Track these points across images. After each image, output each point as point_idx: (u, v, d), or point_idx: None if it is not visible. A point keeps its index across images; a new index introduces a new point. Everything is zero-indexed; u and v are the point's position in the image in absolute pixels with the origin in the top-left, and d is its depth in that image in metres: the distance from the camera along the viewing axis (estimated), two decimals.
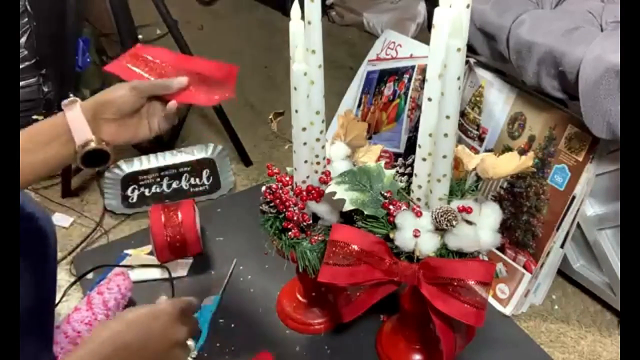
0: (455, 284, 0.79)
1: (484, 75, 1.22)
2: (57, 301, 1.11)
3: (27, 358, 0.65)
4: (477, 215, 0.81)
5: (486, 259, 0.86)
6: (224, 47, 2.19)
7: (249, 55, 2.15)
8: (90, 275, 1.22)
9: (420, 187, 0.84)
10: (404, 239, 0.81)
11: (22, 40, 1.43)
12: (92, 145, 0.80)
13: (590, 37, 0.96)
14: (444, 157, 0.77)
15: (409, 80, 1.36)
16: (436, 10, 0.71)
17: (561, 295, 1.23)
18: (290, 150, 0.88)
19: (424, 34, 2.10)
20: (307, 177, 0.89)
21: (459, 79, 0.69)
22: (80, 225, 1.41)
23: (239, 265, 1.25)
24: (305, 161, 0.87)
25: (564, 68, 0.97)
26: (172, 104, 0.88)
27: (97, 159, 0.82)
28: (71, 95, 1.45)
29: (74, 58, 1.49)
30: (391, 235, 0.83)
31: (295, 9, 0.76)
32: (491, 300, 1.17)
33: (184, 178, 1.53)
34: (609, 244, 1.11)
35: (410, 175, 0.88)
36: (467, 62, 1.21)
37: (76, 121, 0.79)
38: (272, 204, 0.92)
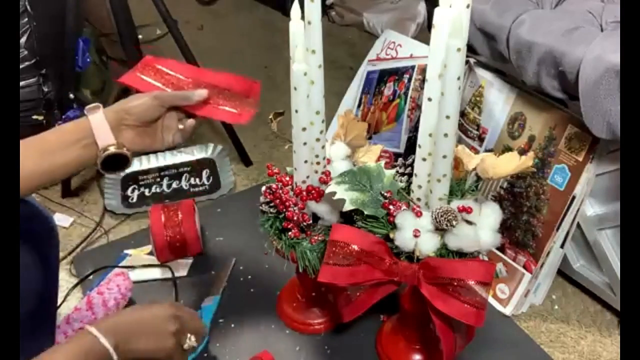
0: (455, 284, 0.79)
1: (484, 75, 1.22)
2: (59, 302, 1.11)
3: (28, 358, 0.65)
4: (477, 215, 0.81)
5: (486, 259, 0.86)
6: (224, 47, 2.19)
7: (249, 55, 2.15)
8: (90, 276, 1.22)
9: (420, 187, 0.84)
10: (404, 239, 0.81)
11: (22, 40, 1.42)
12: (114, 149, 0.82)
13: (590, 37, 0.96)
14: (444, 157, 0.77)
15: (409, 80, 1.36)
16: (436, 10, 0.71)
17: (561, 295, 1.23)
18: (290, 150, 0.88)
19: (424, 34, 2.10)
20: (307, 177, 0.89)
21: (459, 79, 0.69)
22: (80, 225, 1.41)
23: (239, 265, 1.25)
24: (305, 161, 0.87)
25: (564, 68, 0.97)
26: (192, 121, 0.90)
27: (116, 163, 0.84)
28: (71, 95, 1.46)
29: (74, 58, 1.49)
30: (391, 235, 0.83)
31: (295, 9, 0.76)
32: (491, 300, 1.17)
33: (184, 178, 1.53)
34: (609, 244, 1.11)
35: (410, 175, 0.88)
36: (467, 62, 1.21)
37: (100, 126, 0.81)
38: (272, 204, 0.92)
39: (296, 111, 0.82)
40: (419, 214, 0.81)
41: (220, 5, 2.54)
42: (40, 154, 0.78)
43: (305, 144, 0.85)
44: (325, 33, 0.78)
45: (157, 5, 1.42)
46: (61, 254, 1.30)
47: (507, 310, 1.16)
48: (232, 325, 1.11)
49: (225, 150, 1.58)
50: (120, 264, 1.23)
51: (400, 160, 0.94)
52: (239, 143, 1.58)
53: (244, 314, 1.13)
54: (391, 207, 0.83)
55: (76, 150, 0.80)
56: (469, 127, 1.24)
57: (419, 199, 0.85)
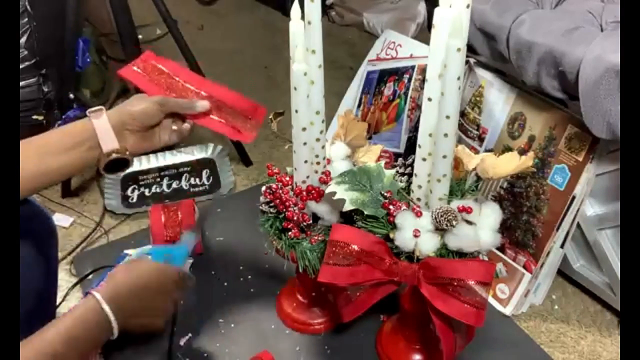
0: (455, 284, 0.79)
1: (484, 75, 1.22)
2: (58, 302, 1.11)
3: None
4: (477, 215, 0.81)
5: (486, 259, 0.86)
6: (224, 47, 2.19)
7: (249, 55, 2.15)
8: (90, 275, 1.22)
9: (420, 187, 0.84)
10: (404, 239, 0.81)
11: (22, 40, 1.43)
12: (118, 154, 0.83)
13: (590, 37, 0.96)
14: (444, 157, 0.77)
15: (409, 80, 1.36)
16: (436, 10, 0.71)
17: (561, 295, 1.23)
18: (290, 150, 0.88)
19: (424, 34, 2.10)
20: (307, 177, 0.89)
21: (459, 79, 0.69)
22: (80, 225, 1.41)
23: (239, 265, 1.25)
24: (305, 161, 0.87)
25: (564, 68, 0.97)
26: (188, 125, 0.90)
27: (117, 166, 0.85)
28: (71, 95, 1.46)
29: (74, 58, 1.49)
30: (391, 235, 0.83)
31: (295, 9, 0.76)
32: (491, 300, 1.17)
33: (184, 178, 1.53)
34: (609, 244, 1.11)
35: (410, 175, 0.88)
36: (467, 62, 1.21)
37: (103, 130, 0.81)
38: (272, 204, 0.92)
39: (296, 111, 0.82)
40: (419, 214, 0.81)
41: (220, 5, 2.54)
42: (40, 155, 0.78)
43: (305, 144, 0.85)
44: (325, 33, 0.78)
45: (157, 5, 1.42)
46: (61, 254, 1.30)
47: (507, 310, 1.16)
48: (232, 325, 1.11)
49: (225, 150, 1.58)
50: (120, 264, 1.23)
51: (400, 160, 0.94)
52: (239, 143, 1.58)
53: (244, 314, 1.13)
54: (391, 207, 0.83)
55: (78, 154, 0.81)
56: (469, 127, 1.24)
57: (419, 199, 0.85)
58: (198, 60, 1.47)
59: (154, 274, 0.83)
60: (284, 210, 0.89)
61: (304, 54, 0.77)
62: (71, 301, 1.18)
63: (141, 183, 1.50)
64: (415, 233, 0.80)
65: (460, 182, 0.86)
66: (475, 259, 0.82)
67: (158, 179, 1.52)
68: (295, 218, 0.88)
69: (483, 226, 0.81)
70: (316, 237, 0.91)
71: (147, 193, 1.49)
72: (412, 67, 1.37)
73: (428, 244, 0.81)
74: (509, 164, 0.82)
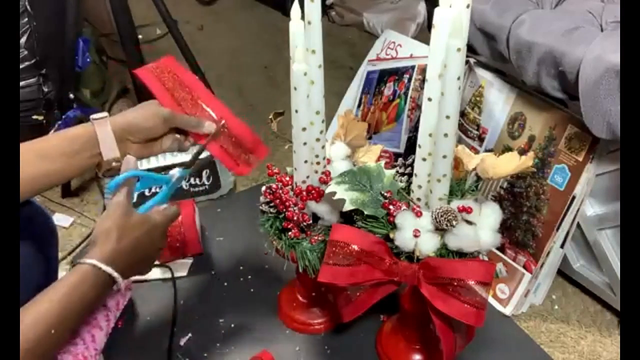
0: (455, 284, 0.79)
1: (484, 75, 1.22)
2: None
3: None
4: (477, 215, 0.81)
5: (486, 259, 0.86)
6: (224, 47, 2.19)
7: (249, 55, 2.15)
8: None
9: (420, 187, 0.84)
10: (404, 239, 0.81)
11: (22, 40, 1.42)
12: (117, 162, 0.83)
13: (590, 37, 0.96)
14: (444, 157, 0.77)
15: (409, 80, 1.36)
16: (436, 10, 0.71)
17: (561, 295, 1.23)
18: (290, 150, 0.88)
19: (424, 34, 2.10)
20: (307, 177, 0.89)
21: (459, 79, 0.69)
22: (80, 225, 1.41)
23: (239, 265, 1.25)
24: (305, 161, 0.87)
25: (564, 68, 0.97)
26: (189, 143, 0.90)
27: (117, 172, 0.85)
28: (71, 95, 1.46)
29: (74, 58, 1.49)
30: (391, 235, 0.83)
31: (295, 9, 0.76)
32: (491, 300, 1.17)
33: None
34: (609, 244, 1.11)
35: (410, 175, 0.88)
36: (467, 62, 1.21)
37: (106, 139, 0.82)
38: (272, 204, 0.92)
39: (296, 111, 0.82)
40: (419, 214, 0.81)
41: (220, 5, 2.54)
42: (40, 159, 0.78)
43: (305, 144, 0.85)
44: (325, 33, 0.78)
45: (157, 5, 1.42)
46: (61, 254, 1.30)
47: (507, 310, 1.16)
48: (232, 325, 1.11)
49: None
50: None
51: (400, 160, 0.94)
52: None
53: (244, 314, 1.13)
54: (391, 207, 0.83)
55: (79, 160, 0.81)
56: (469, 127, 1.24)
57: (419, 199, 0.85)
58: (198, 60, 1.47)
59: (144, 229, 0.80)
60: (284, 210, 0.89)
61: (304, 54, 0.77)
62: None
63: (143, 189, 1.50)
64: (415, 233, 0.80)
65: (460, 182, 0.86)
66: (475, 259, 0.82)
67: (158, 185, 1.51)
68: (295, 218, 0.88)
69: (483, 226, 0.81)
70: (316, 237, 0.91)
71: (147, 193, 1.48)
72: (412, 67, 1.37)
73: (428, 244, 0.81)
74: (509, 164, 0.82)
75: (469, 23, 0.74)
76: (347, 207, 0.84)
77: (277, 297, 1.15)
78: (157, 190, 0.97)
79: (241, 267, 1.24)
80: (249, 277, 1.22)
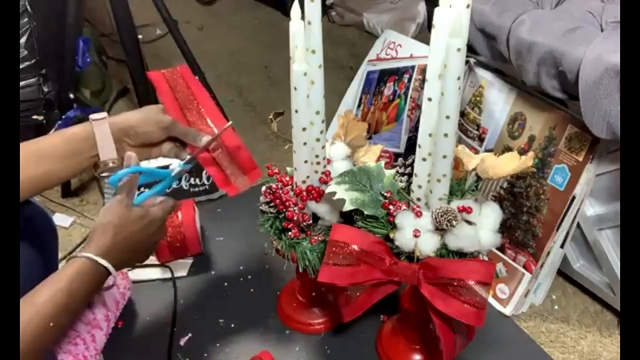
0: (455, 284, 0.79)
1: (484, 75, 1.22)
2: None
3: None
4: (477, 215, 0.81)
5: (486, 259, 0.86)
6: (224, 47, 2.19)
7: (249, 55, 2.15)
8: None
9: (420, 187, 0.84)
10: (404, 239, 0.81)
11: (22, 40, 1.42)
12: (114, 164, 0.84)
13: (590, 37, 0.96)
14: (444, 157, 0.77)
15: (409, 80, 1.36)
16: (436, 10, 0.71)
17: (561, 295, 1.23)
18: (290, 150, 0.88)
19: (424, 34, 2.10)
20: (307, 177, 0.89)
21: (459, 79, 0.69)
22: (80, 225, 1.41)
23: (239, 265, 1.25)
24: (305, 161, 0.87)
25: (564, 68, 0.97)
26: (186, 153, 0.90)
27: (113, 172, 0.86)
28: (71, 95, 1.46)
29: (74, 58, 1.49)
30: (391, 235, 0.83)
31: (295, 9, 0.76)
32: (491, 300, 1.17)
33: (183, 178, 1.52)
34: (609, 244, 1.11)
35: (410, 175, 0.88)
36: (467, 62, 1.21)
37: (104, 140, 0.82)
38: (272, 204, 0.92)
39: (296, 111, 0.82)
40: (419, 214, 0.81)
41: (220, 5, 2.54)
42: (40, 159, 0.78)
43: (305, 144, 0.85)
44: (325, 33, 0.78)
45: (157, 5, 1.42)
46: (61, 254, 1.30)
47: (507, 310, 1.16)
48: (232, 325, 1.11)
49: None
50: None
51: (400, 160, 0.94)
52: None
53: (244, 314, 1.13)
54: (391, 207, 0.83)
55: (77, 161, 0.81)
56: (469, 127, 1.24)
57: (419, 199, 0.85)
58: (198, 60, 1.47)
59: (143, 223, 0.82)
60: (284, 210, 0.89)
61: (304, 54, 0.77)
62: None
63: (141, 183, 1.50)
64: (415, 233, 0.80)
65: (460, 182, 0.86)
66: (475, 259, 0.82)
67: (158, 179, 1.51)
68: (295, 218, 0.88)
69: (483, 226, 0.81)
70: (316, 237, 0.91)
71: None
72: (412, 67, 1.37)
73: (428, 244, 0.81)
74: (509, 164, 0.82)
75: (469, 23, 0.74)
76: (347, 207, 0.84)
77: (277, 297, 1.15)
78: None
79: (241, 267, 1.24)
80: (249, 277, 1.22)
